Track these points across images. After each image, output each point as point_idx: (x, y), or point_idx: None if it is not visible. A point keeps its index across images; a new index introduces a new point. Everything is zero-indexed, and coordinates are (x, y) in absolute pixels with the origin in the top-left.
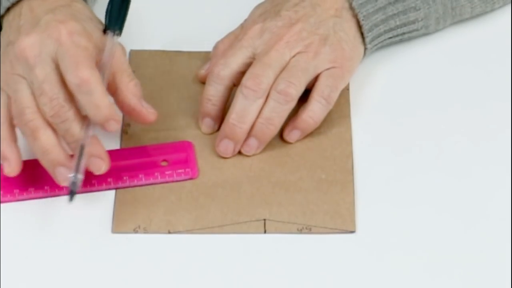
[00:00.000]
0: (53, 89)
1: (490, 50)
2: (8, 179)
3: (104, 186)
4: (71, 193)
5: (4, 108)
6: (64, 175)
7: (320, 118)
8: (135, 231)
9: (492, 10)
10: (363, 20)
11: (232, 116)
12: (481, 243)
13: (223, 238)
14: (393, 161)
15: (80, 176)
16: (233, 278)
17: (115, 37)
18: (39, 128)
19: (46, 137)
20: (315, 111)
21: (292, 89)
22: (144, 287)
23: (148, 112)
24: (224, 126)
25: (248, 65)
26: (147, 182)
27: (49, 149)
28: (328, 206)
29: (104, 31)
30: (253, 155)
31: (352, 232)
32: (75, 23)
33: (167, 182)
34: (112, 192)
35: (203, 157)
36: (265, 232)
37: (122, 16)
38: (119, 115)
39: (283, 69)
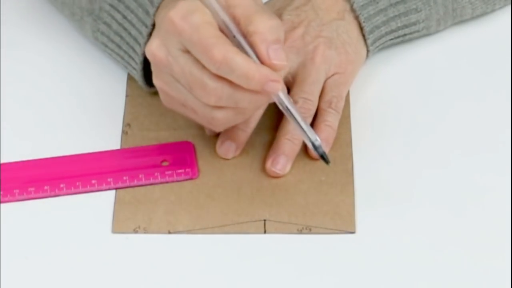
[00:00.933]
0: (197, 78)
1: (491, 50)
2: (8, 179)
3: (104, 186)
4: (323, 156)
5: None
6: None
7: (336, 125)
8: (135, 231)
9: (493, 10)
10: (364, 22)
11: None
12: (481, 243)
13: (223, 238)
14: (393, 162)
15: (318, 140)
16: (233, 278)
17: None
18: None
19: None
20: (329, 120)
21: (309, 104)
22: (144, 287)
23: (274, 64)
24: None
25: None
26: (147, 182)
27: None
28: (328, 207)
29: None
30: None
31: (352, 233)
32: (183, 2)
33: (167, 182)
34: (112, 192)
35: (203, 157)
36: (265, 232)
37: None
38: (274, 74)
39: (295, 82)
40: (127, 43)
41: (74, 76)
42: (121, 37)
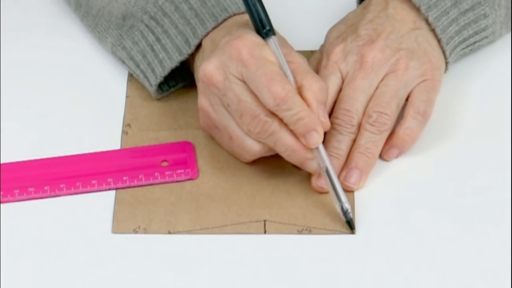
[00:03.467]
0: (250, 107)
1: (491, 51)
2: (8, 179)
3: (104, 186)
4: (349, 222)
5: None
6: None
7: (417, 135)
8: (135, 231)
9: None
10: (441, 34)
11: (329, 149)
12: (481, 243)
13: (223, 238)
14: (392, 163)
15: (347, 204)
16: (233, 278)
17: (273, 38)
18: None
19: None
20: (412, 128)
21: (384, 119)
22: (144, 287)
23: (320, 121)
24: None
25: (339, 91)
26: (147, 182)
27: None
28: (328, 208)
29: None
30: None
31: (352, 233)
32: (251, 35)
33: (167, 182)
34: (112, 192)
35: (203, 158)
36: (265, 232)
37: (266, 15)
38: (320, 126)
39: (372, 95)
40: (148, 63)
41: (74, 76)
42: (143, 56)
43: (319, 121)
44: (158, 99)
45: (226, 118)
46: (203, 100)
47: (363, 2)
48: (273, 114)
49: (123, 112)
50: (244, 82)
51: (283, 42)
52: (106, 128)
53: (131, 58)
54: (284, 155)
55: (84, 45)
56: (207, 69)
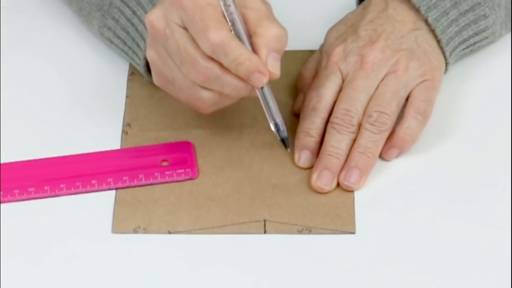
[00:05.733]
0: (189, 54)
1: (491, 51)
2: (8, 179)
3: (104, 186)
4: (283, 140)
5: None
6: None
7: (417, 135)
8: (135, 231)
9: None
10: (440, 34)
11: (329, 148)
12: (480, 243)
13: (223, 238)
14: (392, 163)
15: (279, 118)
16: (233, 278)
17: None
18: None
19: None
20: (412, 127)
21: (384, 119)
22: (144, 287)
23: (261, 65)
24: (322, 158)
25: (339, 92)
26: (147, 182)
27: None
28: (328, 208)
29: None
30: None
31: (352, 233)
32: None
33: (167, 182)
34: (112, 192)
35: (203, 157)
36: (265, 232)
37: None
38: (263, 66)
39: (372, 95)
40: (133, 39)
41: (74, 76)
42: (127, 32)
43: (262, 64)
44: (158, 99)
45: (173, 68)
46: (150, 52)
47: (363, 3)
48: (213, 59)
49: (123, 112)
50: (185, 28)
51: None
52: (106, 128)
53: (117, 37)
54: (233, 95)
55: (84, 44)
56: (150, 18)
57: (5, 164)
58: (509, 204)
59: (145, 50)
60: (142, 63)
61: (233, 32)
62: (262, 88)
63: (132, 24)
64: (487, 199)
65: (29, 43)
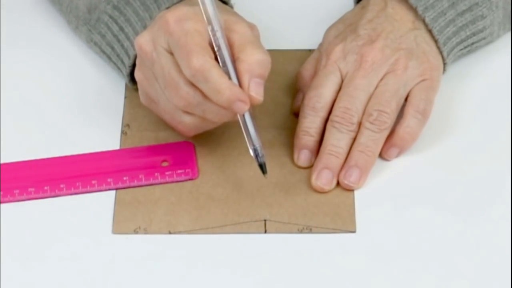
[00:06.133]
0: (173, 79)
1: (490, 50)
2: (8, 179)
3: (104, 186)
4: (261, 166)
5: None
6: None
7: (417, 134)
8: (136, 231)
9: None
10: (438, 35)
11: (328, 147)
12: (480, 242)
13: (224, 238)
14: (392, 162)
15: (258, 144)
16: (233, 278)
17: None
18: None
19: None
20: (412, 126)
21: (384, 117)
22: (145, 287)
23: (251, 96)
24: (321, 157)
25: (339, 91)
26: (147, 182)
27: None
28: (328, 208)
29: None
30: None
31: (353, 232)
32: (184, 7)
33: (167, 182)
34: (112, 192)
35: (203, 157)
36: (265, 232)
37: None
38: (244, 95)
39: (372, 94)
40: (117, 55)
41: (74, 77)
42: (112, 48)
43: (242, 92)
44: None
45: (158, 91)
46: (138, 73)
47: (361, 2)
48: (195, 85)
49: (122, 112)
50: (171, 53)
51: (229, 12)
52: (105, 129)
53: (103, 52)
54: (216, 121)
55: (83, 45)
56: (139, 41)
57: (5, 164)
58: (509, 203)
59: (129, 66)
60: (126, 79)
61: (219, 57)
62: (244, 115)
63: (118, 40)
64: (487, 198)
65: (28, 43)
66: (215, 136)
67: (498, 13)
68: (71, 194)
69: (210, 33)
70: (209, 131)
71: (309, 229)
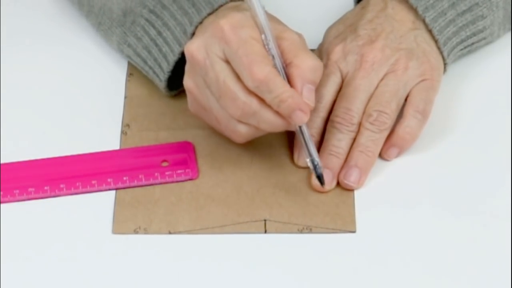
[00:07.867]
0: (229, 88)
1: (490, 50)
2: (8, 179)
3: (104, 186)
4: (319, 177)
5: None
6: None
7: (417, 134)
8: (136, 232)
9: None
10: (438, 35)
11: (329, 147)
12: (480, 242)
13: (224, 238)
14: (392, 162)
15: (316, 154)
16: (233, 278)
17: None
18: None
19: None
20: (411, 126)
21: (384, 118)
22: (145, 287)
23: (303, 103)
24: (322, 158)
25: (339, 91)
26: (147, 182)
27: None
28: (328, 207)
29: None
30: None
31: (353, 232)
32: (236, 13)
33: (167, 182)
34: (112, 192)
35: (203, 158)
36: (265, 232)
37: None
38: (305, 104)
39: (372, 95)
40: (155, 59)
41: (74, 77)
42: (149, 52)
43: (304, 102)
44: (157, 99)
45: (211, 100)
46: (188, 80)
47: (361, 2)
48: (252, 93)
49: (122, 112)
50: (227, 61)
51: (276, 20)
52: (105, 129)
53: (138, 55)
54: (269, 131)
55: (83, 45)
56: (190, 47)
57: (5, 164)
58: (509, 202)
59: (168, 72)
60: (163, 85)
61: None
62: (301, 127)
63: (156, 45)
64: (487, 198)
65: (28, 43)
66: (215, 136)
67: (498, 13)
68: (71, 194)
69: (264, 42)
70: (209, 131)
71: (309, 229)
